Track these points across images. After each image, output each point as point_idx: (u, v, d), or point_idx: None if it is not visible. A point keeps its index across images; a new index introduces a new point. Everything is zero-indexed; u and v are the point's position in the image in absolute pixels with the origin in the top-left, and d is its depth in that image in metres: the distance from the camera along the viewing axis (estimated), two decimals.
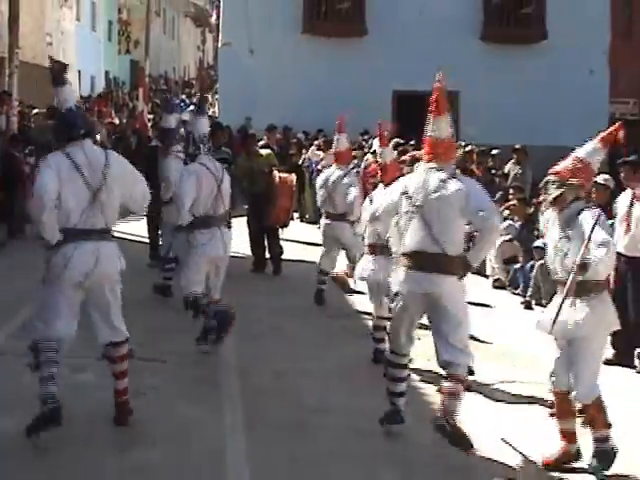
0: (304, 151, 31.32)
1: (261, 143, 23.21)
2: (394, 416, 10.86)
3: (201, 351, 13.16)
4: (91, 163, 10.35)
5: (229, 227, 14.59)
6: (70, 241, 10.12)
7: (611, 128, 10.17)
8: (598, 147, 9.95)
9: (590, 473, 9.75)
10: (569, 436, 10.02)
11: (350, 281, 16.60)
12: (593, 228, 9.27)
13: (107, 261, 10.30)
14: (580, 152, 9.99)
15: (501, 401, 12.34)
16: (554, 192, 9.88)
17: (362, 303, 16.11)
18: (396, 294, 10.61)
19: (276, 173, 20.85)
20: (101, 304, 10.35)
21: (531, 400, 12.36)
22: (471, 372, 11.56)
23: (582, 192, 9.84)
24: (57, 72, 11.58)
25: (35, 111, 26.76)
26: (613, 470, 9.75)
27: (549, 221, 10.18)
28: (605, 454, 9.73)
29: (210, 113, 51.57)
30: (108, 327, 10.36)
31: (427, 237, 10.28)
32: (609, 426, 9.79)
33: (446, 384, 10.27)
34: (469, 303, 17.92)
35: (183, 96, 66.75)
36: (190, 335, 13.64)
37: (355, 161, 19.17)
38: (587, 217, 9.48)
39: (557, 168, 10.14)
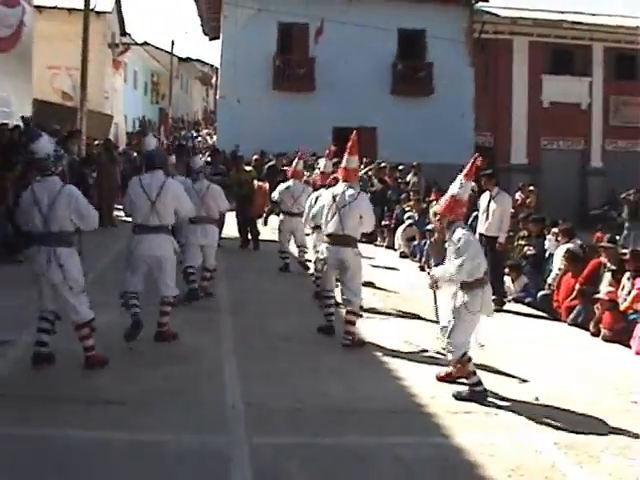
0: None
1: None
2: (328, 329, 11.86)
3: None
4: (151, 184, 10.69)
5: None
6: (137, 232, 10.74)
7: (470, 163, 9.80)
8: (465, 182, 9.64)
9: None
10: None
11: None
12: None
13: (157, 246, 10.68)
14: (454, 189, 9.62)
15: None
16: (436, 224, 10.30)
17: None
18: (323, 259, 11.79)
19: (255, 182, 20.89)
20: (157, 271, 10.81)
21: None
22: (361, 307, 12.04)
23: (454, 216, 9.53)
24: (144, 128, 12.19)
25: (96, 142, 26.54)
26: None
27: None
28: (475, 393, 9.23)
29: (211, 142, 51.64)
30: (162, 284, 10.84)
31: (339, 225, 11.40)
32: (474, 373, 9.34)
33: (347, 316, 11.38)
34: (383, 267, 18.08)
35: (193, 131, 66.60)
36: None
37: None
38: (457, 234, 9.34)
39: (439, 205, 10.16)
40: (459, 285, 9.37)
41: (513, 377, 10.06)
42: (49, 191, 9.37)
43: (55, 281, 9.40)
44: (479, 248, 9.70)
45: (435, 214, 10.20)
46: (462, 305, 9.30)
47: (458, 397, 9.20)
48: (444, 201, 9.75)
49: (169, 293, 10.96)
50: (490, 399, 9.13)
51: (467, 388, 9.30)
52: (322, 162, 15.48)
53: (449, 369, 9.79)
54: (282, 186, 17.04)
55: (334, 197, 11.62)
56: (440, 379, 9.84)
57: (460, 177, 9.69)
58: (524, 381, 9.93)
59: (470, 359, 9.38)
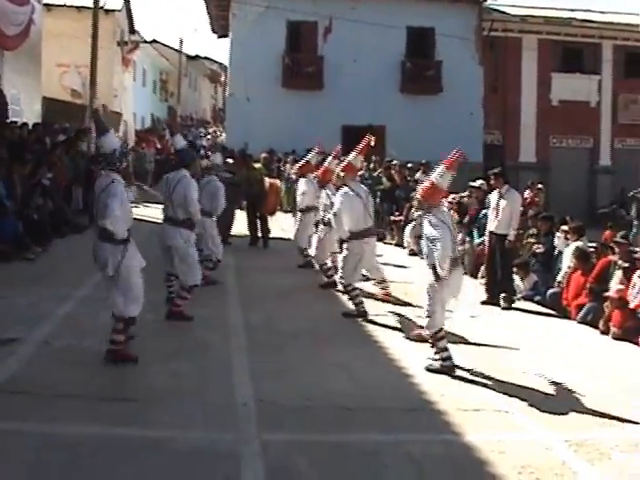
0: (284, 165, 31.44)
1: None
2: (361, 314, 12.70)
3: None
4: (169, 180, 11.93)
5: None
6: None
7: (452, 155, 10.23)
8: (445, 172, 10.12)
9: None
10: None
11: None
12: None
13: (167, 236, 11.69)
14: (434, 177, 10.17)
15: None
16: (415, 204, 11.78)
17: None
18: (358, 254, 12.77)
19: (267, 179, 20.92)
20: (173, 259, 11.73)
21: None
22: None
23: (432, 202, 10.10)
24: (172, 127, 12.88)
25: None
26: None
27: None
28: (445, 367, 9.90)
29: (219, 140, 51.66)
30: (178, 271, 11.77)
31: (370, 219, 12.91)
32: (446, 349, 9.97)
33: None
34: (393, 265, 18.02)
35: (201, 129, 66.63)
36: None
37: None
38: (430, 224, 9.91)
39: (419, 189, 10.56)
40: (431, 267, 9.86)
41: (523, 375, 10.03)
42: (99, 185, 9.58)
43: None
44: (449, 234, 10.02)
45: (415, 197, 11.08)
46: (434, 285, 9.88)
47: (430, 369, 9.94)
48: (424, 186, 10.28)
49: (183, 280, 11.74)
50: (499, 397, 9.13)
51: (439, 362, 9.97)
52: (329, 159, 15.43)
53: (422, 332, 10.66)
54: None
55: (358, 195, 12.77)
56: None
57: (442, 166, 10.20)
58: (533, 379, 9.90)
59: (444, 336, 10.06)
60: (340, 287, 13.67)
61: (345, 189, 12.92)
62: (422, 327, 10.53)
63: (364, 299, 13.10)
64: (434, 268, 9.81)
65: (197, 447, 7.21)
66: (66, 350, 9.87)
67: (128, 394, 8.50)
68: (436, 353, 10.08)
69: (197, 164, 13.72)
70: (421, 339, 10.78)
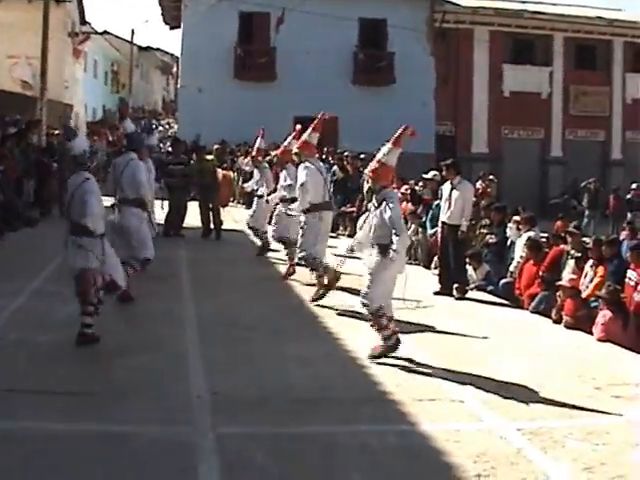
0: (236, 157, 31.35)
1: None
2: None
3: None
4: (117, 164, 12.45)
5: None
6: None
7: (399, 132, 10.33)
8: (392, 149, 10.21)
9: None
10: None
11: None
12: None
13: (122, 216, 12.09)
14: (380, 155, 10.25)
15: None
16: (366, 186, 10.78)
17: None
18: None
19: (219, 171, 20.91)
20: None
21: None
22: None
23: (385, 182, 10.16)
24: (122, 113, 12.87)
25: (56, 132, 26.37)
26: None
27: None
28: (388, 347, 10.04)
29: (171, 132, 51.49)
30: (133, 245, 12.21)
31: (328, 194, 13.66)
32: (386, 327, 10.03)
33: None
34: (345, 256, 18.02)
35: (153, 120, 66.26)
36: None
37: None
38: (385, 205, 9.88)
39: (368, 168, 10.54)
40: (377, 248, 9.98)
41: (477, 365, 10.07)
42: (72, 184, 9.96)
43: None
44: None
45: (365, 179, 11.35)
46: (379, 264, 9.91)
47: (374, 356, 10.01)
48: (372, 167, 10.29)
49: (136, 253, 12.24)
50: (454, 387, 9.16)
51: (380, 344, 10.06)
52: (289, 139, 15.37)
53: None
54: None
55: (319, 170, 13.32)
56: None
57: (389, 145, 10.27)
58: (488, 369, 9.94)
59: (384, 314, 10.01)
60: (302, 260, 13.72)
61: (307, 164, 13.23)
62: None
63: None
64: (386, 247, 9.80)
65: (153, 440, 7.16)
66: (20, 344, 9.77)
67: (84, 388, 8.42)
68: (377, 331, 10.10)
69: (145, 149, 13.82)
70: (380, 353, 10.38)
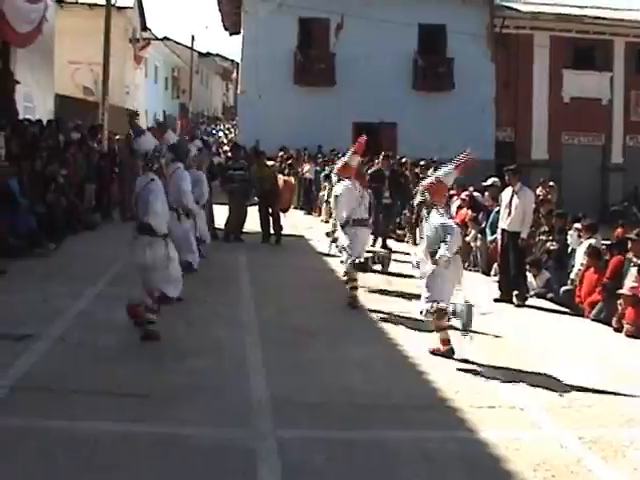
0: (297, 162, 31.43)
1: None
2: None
3: None
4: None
5: None
6: None
7: (462, 158, 10.67)
8: (453, 171, 10.61)
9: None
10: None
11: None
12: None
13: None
14: (440, 173, 10.70)
15: None
16: (420, 198, 11.85)
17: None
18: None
19: (280, 176, 21.02)
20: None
21: None
22: None
23: (438, 198, 10.50)
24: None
25: (117, 137, 26.67)
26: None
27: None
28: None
29: (230, 137, 51.76)
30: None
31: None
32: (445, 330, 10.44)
33: None
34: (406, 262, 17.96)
35: (213, 125, 66.78)
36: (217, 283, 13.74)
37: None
38: (436, 220, 10.32)
39: (424, 182, 11.04)
40: (429, 256, 10.36)
41: (537, 373, 10.02)
42: (139, 184, 10.13)
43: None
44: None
45: (421, 191, 11.33)
46: (433, 272, 10.31)
47: (433, 353, 10.42)
48: (429, 181, 10.76)
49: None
50: (514, 394, 9.13)
51: (439, 346, 10.45)
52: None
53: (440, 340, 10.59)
54: None
55: (355, 190, 13.48)
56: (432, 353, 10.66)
57: (451, 166, 10.62)
58: (548, 377, 9.88)
59: (446, 313, 10.35)
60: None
61: (345, 182, 13.66)
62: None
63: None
64: (434, 254, 10.23)
65: (213, 444, 7.22)
66: (81, 346, 9.91)
67: (144, 391, 8.50)
68: (437, 331, 10.52)
69: (189, 157, 14.26)
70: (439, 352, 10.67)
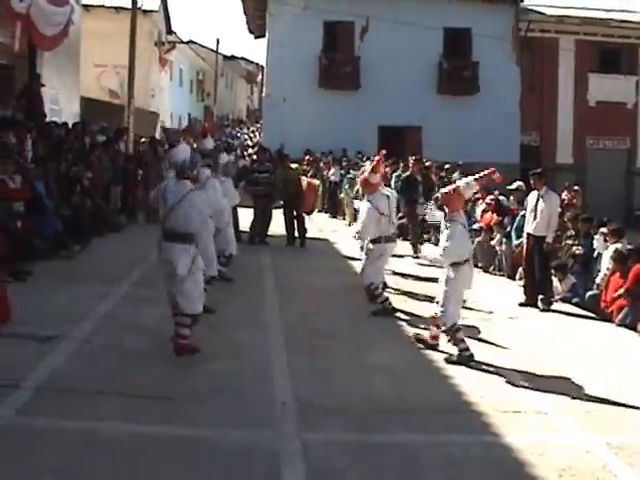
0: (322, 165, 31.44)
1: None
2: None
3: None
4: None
5: None
6: None
7: (485, 172, 10.91)
8: (473, 183, 10.79)
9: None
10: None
11: None
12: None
13: None
14: (460, 183, 10.87)
15: None
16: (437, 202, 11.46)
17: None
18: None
19: (304, 178, 21.00)
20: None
21: None
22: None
23: (454, 207, 10.62)
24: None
25: (143, 139, 26.71)
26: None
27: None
28: (461, 357, 10.37)
29: (255, 140, 51.87)
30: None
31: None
32: (463, 341, 10.46)
33: None
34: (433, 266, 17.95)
35: (237, 128, 66.93)
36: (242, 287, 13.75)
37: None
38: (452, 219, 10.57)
39: (442, 190, 11.07)
40: (449, 264, 10.53)
41: (562, 378, 9.98)
42: (175, 193, 9.81)
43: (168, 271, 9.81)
44: (466, 234, 10.93)
45: (437, 198, 11.18)
46: (451, 280, 10.45)
47: (449, 361, 10.36)
48: (447, 189, 10.84)
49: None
50: (539, 398, 9.10)
51: (457, 353, 10.40)
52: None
53: (431, 333, 11.02)
54: None
55: (377, 208, 13.04)
56: (416, 340, 11.23)
57: (472, 179, 10.79)
58: (573, 382, 9.84)
59: (459, 328, 10.52)
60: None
61: (368, 198, 13.28)
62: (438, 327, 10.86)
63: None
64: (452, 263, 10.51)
65: (237, 446, 7.24)
66: (106, 348, 9.94)
67: (169, 393, 8.53)
68: (454, 345, 10.47)
69: (220, 165, 14.36)
70: (428, 344, 11.05)
